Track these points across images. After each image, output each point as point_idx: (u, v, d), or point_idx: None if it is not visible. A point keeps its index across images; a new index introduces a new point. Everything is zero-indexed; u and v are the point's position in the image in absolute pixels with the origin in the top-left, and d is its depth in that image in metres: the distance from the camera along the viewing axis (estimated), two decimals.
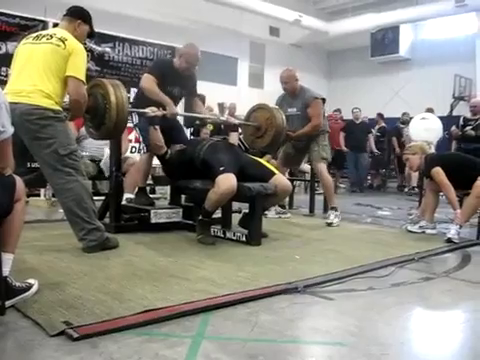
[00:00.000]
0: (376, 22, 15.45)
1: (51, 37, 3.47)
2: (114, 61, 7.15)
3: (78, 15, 3.70)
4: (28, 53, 3.51)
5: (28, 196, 6.15)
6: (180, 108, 5.65)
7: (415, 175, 10.08)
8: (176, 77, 4.66)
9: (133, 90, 7.40)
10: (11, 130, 2.29)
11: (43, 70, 3.37)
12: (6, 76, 6.27)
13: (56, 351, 1.90)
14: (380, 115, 11.87)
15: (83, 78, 3.46)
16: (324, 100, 5.59)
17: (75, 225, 3.52)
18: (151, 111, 4.32)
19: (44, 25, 6.64)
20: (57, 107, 3.41)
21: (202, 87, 10.99)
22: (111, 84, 3.80)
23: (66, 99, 3.60)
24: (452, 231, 4.48)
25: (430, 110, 10.35)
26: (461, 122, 9.59)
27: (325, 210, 5.91)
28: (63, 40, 3.44)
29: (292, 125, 5.34)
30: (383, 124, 11.66)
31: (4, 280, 2.28)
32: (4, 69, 6.29)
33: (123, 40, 7.36)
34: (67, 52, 3.40)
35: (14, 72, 3.52)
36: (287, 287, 2.83)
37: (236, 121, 5.16)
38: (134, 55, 7.42)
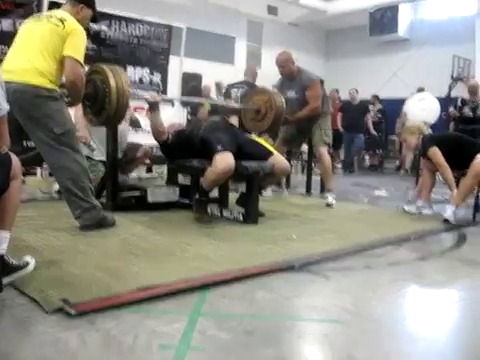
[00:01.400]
0: (375, 1, 15.30)
1: (51, 17, 3.44)
2: (110, 39, 7.07)
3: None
4: (27, 32, 3.48)
5: (25, 175, 6.17)
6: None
7: (409, 157, 10.12)
8: None
9: (129, 69, 7.38)
10: (6, 107, 2.27)
11: (39, 49, 3.33)
12: (2, 53, 6.21)
13: (53, 327, 1.91)
14: (376, 97, 11.83)
15: (81, 59, 3.40)
16: (322, 82, 5.54)
17: (72, 203, 3.51)
18: (151, 96, 4.29)
19: (39, 2, 6.56)
20: (51, 86, 3.36)
21: (199, 66, 11.00)
22: (110, 69, 3.77)
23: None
24: (448, 211, 4.48)
25: (421, 89, 10.32)
26: (459, 103, 9.57)
27: (322, 191, 5.92)
28: (62, 20, 3.40)
29: (291, 108, 5.30)
30: (380, 106, 11.62)
31: (1, 258, 2.28)
32: (0, 47, 6.23)
33: (119, 18, 7.27)
34: (66, 32, 3.36)
35: (11, 51, 3.48)
36: (284, 265, 2.84)
37: (236, 105, 5.14)
38: (131, 33, 7.34)
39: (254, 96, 5.32)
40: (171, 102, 7.46)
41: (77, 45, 3.41)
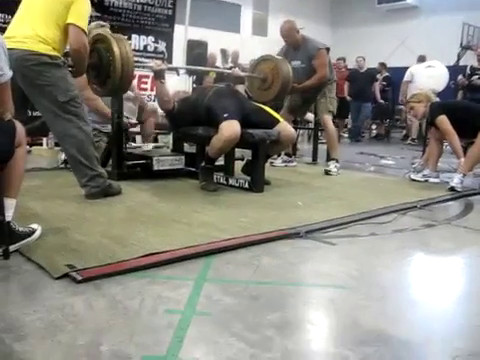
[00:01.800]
0: None
1: None
2: (114, 7, 6.99)
3: None
4: (31, 0, 3.42)
5: (30, 145, 6.18)
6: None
7: (415, 126, 10.04)
8: None
9: (134, 36, 7.31)
10: (10, 74, 2.25)
11: (42, 16, 3.29)
12: (4, 22, 6.16)
13: (60, 293, 1.92)
14: (383, 64, 11.67)
15: (85, 27, 3.35)
16: (328, 49, 5.46)
17: (78, 171, 3.51)
18: (156, 64, 4.24)
19: None
20: (54, 53, 3.32)
21: (204, 34, 10.89)
22: (114, 37, 3.73)
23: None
24: (455, 180, 4.47)
25: (422, 58, 10.16)
26: (468, 71, 9.45)
27: (328, 160, 5.90)
28: None
29: (297, 78, 5.21)
30: (386, 73, 11.48)
31: (7, 225, 2.29)
32: (1, 15, 6.17)
33: None
34: (70, 0, 3.30)
35: (15, 18, 3.44)
36: (289, 232, 2.84)
37: (242, 73, 5.08)
38: (135, 0, 7.25)
39: (260, 64, 5.26)
40: (176, 70, 7.40)
41: (81, 13, 3.36)
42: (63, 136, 3.47)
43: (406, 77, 10.02)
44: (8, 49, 3.13)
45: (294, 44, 5.40)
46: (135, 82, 5.02)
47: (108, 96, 4.16)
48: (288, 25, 5.36)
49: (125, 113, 4.63)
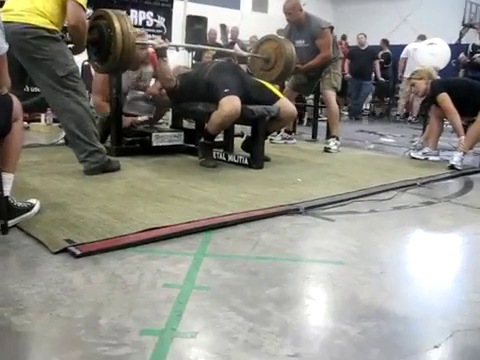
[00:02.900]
0: None
1: None
2: None
3: None
4: None
5: (29, 122, 6.15)
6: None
7: (416, 105, 10.00)
8: None
9: (133, 12, 7.22)
10: (6, 47, 2.22)
11: None
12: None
13: (59, 267, 1.92)
14: (385, 41, 11.56)
15: (84, 3, 3.30)
16: (332, 28, 5.38)
17: (76, 147, 3.49)
18: (157, 42, 4.19)
19: None
20: (52, 26, 3.27)
21: (204, 10, 10.77)
22: (115, 13, 3.68)
23: None
24: (455, 158, 4.45)
25: (422, 37, 10.07)
26: (470, 49, 9.38)
27: (328, 137, 5.87)
28: None
29: (301, 57, 5.16)
30: (387, 50, 11.37)
31: (5, 199, 2.28)
32: None
33: None
34: None
35: None
36: (289, 208, 2.84)
37: (245, 53, 5.03)
38: None
39: (263, 44, 5.20)
40: (175, 47, 7.33)
41: None
42: (62, 111, 3.44)
43: (403, 54, 9.96)
44: (6, 22, 3.12)
45: (297, 23, 5.32)
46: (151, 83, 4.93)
47: (109, 72, 4.11)
48: (291, 3, 5.27)
49: (133, 111, 4.61)
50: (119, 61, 3.69)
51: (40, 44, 3.23)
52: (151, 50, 4.46)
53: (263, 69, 5.09)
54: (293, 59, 4.96)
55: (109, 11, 3.72)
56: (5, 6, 3.32)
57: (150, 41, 4.45)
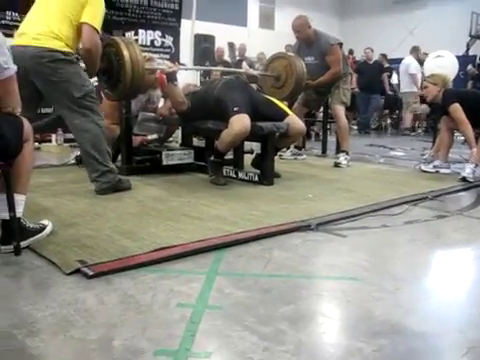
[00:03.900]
0: None
1: None
2: (121, 2, 6.97)
3: None
4: None
5: (40, 142, 6.20)
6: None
7: (408, 117, 10.04)
8: None
9: (141, 32, 7.29)
10: (14, 67, 2.25)
11: (57, 13, 3.32)
12: (12, 20, 6.17)
13: (72, 288, 1.92)
14: (384, 55, 11.60)
15: (98, 27, 3.38)
16: (341, 44, 5.39)
17: (89, 166, 3.52)
18: (167, 67, 4.21)
19: None
20: (67, 49, 3.34)
21: (211, 28, 10.88)
22: (123, 40, 3.74)
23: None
24: (467, 170, 4.43)
25: (415, 49, 10.10)
26: (478, 61, 9.38)
27: (337, 151, 5.87)
28: None
29: (311, 74, 5.16)
30: (387, 64, 11.39)
31: (18, 221, 2.29)
32: (9, 13, 6.17)
33: None
34: None
35: (29, 15, 3.46)
36: (300, 225, 2.83)
37: (255, 72, 5.05)
38: None
39: (273, 62, 5.22)
40: (183, 64, 7.39)
41: (96, 13, 3.38)
42: (78, 131, 3.49)
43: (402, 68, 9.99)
44: (22, 46, 3.21)
45: (306, 40, 5.34)
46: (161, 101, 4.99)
47: (119, 100, 4.16)
48: (300, 21, 5.30)
49: (144, 132, 4.65)
50: (129, 88, 3.74)
51: (57, 67, 3.29)
52: (159, 72, 4.49)
53: (274, 87, 5.10)
54: (304, 76, 4.97)
55: (117, 39, 3.77)
56: (20, 29, 3.41)
57: (160, 66, 4.48)
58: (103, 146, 3.52)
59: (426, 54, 10.27)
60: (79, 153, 4.82)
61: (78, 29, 3.35)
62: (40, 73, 3.29)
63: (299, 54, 5.32)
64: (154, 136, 4.74)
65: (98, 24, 3.37)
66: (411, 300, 1.93)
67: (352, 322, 1.76)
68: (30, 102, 3.44)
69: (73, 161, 4.94)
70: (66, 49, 3.32)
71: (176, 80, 4.22)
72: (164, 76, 4.28)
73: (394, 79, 10.74)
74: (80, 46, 3.47)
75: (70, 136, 6.54)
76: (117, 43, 3.69)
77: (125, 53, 3.62)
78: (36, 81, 3.32)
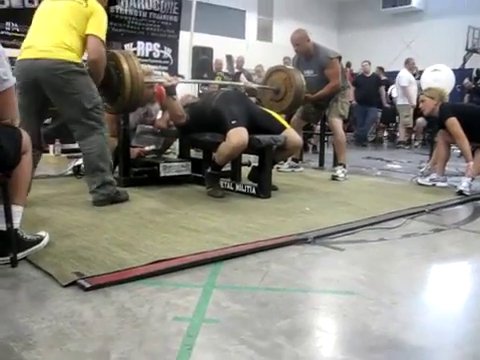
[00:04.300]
0: None
1: None
2: (120, 14, 6.99)
3: None
4: (49, 10, 3.49)
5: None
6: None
7: (402, 130, 10.11)
8: None
9: (140, 43, 7.32)
10: (13, 79, 2.26)
11: (64, 25, 3.35)
12: (11, 31, 6.18)
13: (68, 301, 1.92)
14: (381, 68, 11.66)
15: (103, 38, 3.43)
16: (340, 58, 5.42)
17: (92, 177, 3.54)
18: (166, 80, 4.22)
19: None
20: (79, 60, 3.40)
21: (209, 41, 10.92)
22: (122, 54, 3.76)
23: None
24: (464, 183, 4.44)
25: (408, 61, 10.17)
26: (474, 74, 9.44)
27: (334, 164, 5.88)
28: None
29: (310, 87, 5.17)
30: (384, 77, 11.46)
31: (15, 232, 2.29)
32: (8, 23, 6.19)
33: None
34: (89, 11, 3.39)
35: (34, 28, 3.48)
36: (297, 238, 2.83)
37: (254, 85, 5.07)
38: (140, 7, 7.25)
39: (272, 75, 5.25)
40: (181, 76, 7.41)
41: (100, 24, 3.44)
42: (86, 142, 3.51)
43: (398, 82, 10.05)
44: (32, 59, 3.24)
45: (305, 53, 5.36)
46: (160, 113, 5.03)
47: (118, 113, 4.17)
48: (299, 34, 5.33)
49: (142, 144, 4.67)
50: (128, 102, 3.76)
51: (70, 78, 3.33)
52: (158, 85, 4.51)
53: (273, 100, 5.12)
54: (303, 89, 4.99)
55: (117, 52, 3.80)
56: (27, 42, 3.42)
57: (159, 79, 4.50)
58: (108, 157, 3.57)
59: (416, 68, 10.37)
60: (77, 163, 4.85)
61: (84, 40, 3.39)
62: (53, 85, 3.33)
63: (298, 67, 5.35)
64: (152, 147, 4.75)
65: (103, 35, 3.43)
66: (408, 314, 1.93)
67: (349, 336, 1.75)
68: (40, 117, 3.50)
69: (71, 172, 4.94)
70: (78, 60, 3.38)
71: (175, 93, 4.23)
72: (163, 89, 4.30)
73: (394, 92, 10.79)
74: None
75: (68, 147, 6.58)
76: (117, 57, 3.71)
77: (124, 67, 3.64)
78: (48, 93, 3.36)
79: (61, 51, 3.29)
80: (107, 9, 3.66)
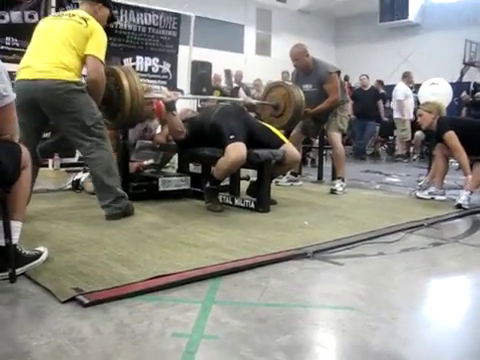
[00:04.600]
0: None
1: (73, 15, 3.50)
2: (119, 29, 7.03)
3: None
4: (48, 28, 3.52)
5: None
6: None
7: (400, 144, 10.15)
8: None
9: (139, 58, 7.35)
10: (13, 95, 2.27)
11: (63, 44, 3.38)
12: (11, 46, 6.22)
13: (67, 317, 1.91)
14: (380, 82, 11.71)
15: (103, 58, 3.46)
16: (339, 72, 5.45)
17: (102, 192, 3.55)
18: (166, 96, 4.24)
19: None
20: (78, 79, 3.42)
21: (208, 55, 10.98)
22: (122, 70, 3.78)
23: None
24: (462, 197, 4.45)
25: (405, 75, 10.23)
26: (472, 88, 9.48)
27: (333, 178, 5.89)
28: (85, 19, 3.47)
29: (308, 101, 5.19)
30: (383, 91, 11.51)
31: (14, 247, 2.29)
32: (8, 39, 6.23)
33: (128, 7, 7.24)
34: (88, 31, 3.42)
35: (32, 47, 3.50)
36: (296, 253, 2.83)
37: (254, 101, 5.09)
38: (139, 22, 7.30)
39: (271, 91, 5.27)
40: (181, 91, 7.44)
41: (100, 44, 3.47)
42: (90, 159, 3.53)
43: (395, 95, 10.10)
44: (30, 80, 3.26)
45: (304, 68, 5.38)
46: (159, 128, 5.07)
47: (118, 129, 4.19)
48: (298, 49, 5.35)
49: (141, 159, 4.69)
50: (128, 118, 3.79)
51: (70, 97, 3.35)
52: (157, 100, 4.53)
53: (272, 115, 5.14)
54: (302, 105, 5.02)
55: (117, 68, 3.82)
56: (25, 62, 3.44)
57: (158, 95, 4.52)
58: (115, 171, 3.59)
59: (410, 82, 10.42)
60: (76, 178, 4.86)
61: (83, 60, 3.42)
62: (52, 105, 3.36)
63: (297, 82, 5.37)
64: (150, 161, 4.77)
65: (102, 55, 3.46)
66: (408, 329, 1.93)
67: (348, 352, 1.75)
68: (38, 133, 3.52)
69: (70, 186, 4.95)
70: (77, 79, 3.40)
71: (175, 109, 4.24)
72: (162, 104, 4.31)
73: (393, 105, 10.85)
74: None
75: (66, 161, 6.60)
76: (117, 73, 3.73)
77: (125, 83, 3.66)
78: (47, 113, 3.40)
79: (60, 71, 3.31)
80: (107, 27, 3.69)
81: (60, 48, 3.35)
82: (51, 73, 3.30)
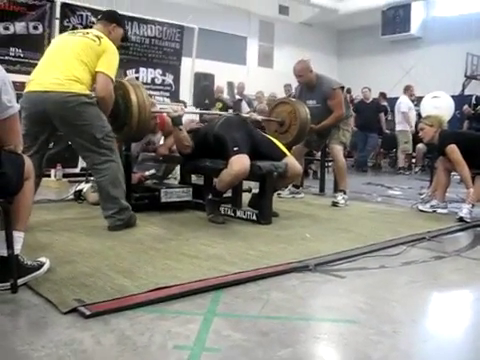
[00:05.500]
0: (387, 0, 15.27)
1: (87, 33, 3.57)
2: (122, 41, 7.08)
3: (113, 19, 3.82)
4: (62, 44, 3.60)
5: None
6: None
7: (401, 156, 10.17)
8: None
9: (142, 70, 7.40)
10: (17, 106, 2.29)
11: (75, 58, 3.42)
12: (15, 56, 6.27)
13: (68, 328, 1.91)
14: (382, 94, 11.74)
15: (113, 76, 3.51)
16: (343, 88, 5.47)
17: (107, 203, 3.57)
18: (173, 111, 4.24)
19: (52, 5, 6.61)
20: (89, 92, 3.45)
21: (210, 66, 11.03)
22: (131, 84, 3.81)
23: None
24: (464, 210, 4.44)
25: (407, 88, 10.27)
26: (473, 101, 9.49)
27: (335, 190, 5.89)
28: (99, 37, 3.53)
29: (312, 117, 5.19)
30: (385, 103, 11.53)
31: (16, 258, 2.29)
32: (12, 49, 6.28)
33: (132, 19, 7.30)
34: (101, 49, 3.48)
35: (45, 60, 3.55)
36: (298, 265, 2.83)
37: (259, 117, 5.11)
38: (143, 34, 7.36)
39: (277, 107, 5.29)
40: (183, 102, 7.47)
41: (111, 63, 3.52)
42: (97, 170, 3.56)
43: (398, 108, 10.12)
44: (41, 92, 3.29)
45: (308, 83, 5.40)
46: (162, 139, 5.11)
47: (124, 141, 4.21)
48: (301, 65, 5.36)
49: (140, 170, 4.71)
50: (135, 132, 3.80)
51: (80, 110, 3.39)
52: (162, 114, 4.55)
53: (278, 132, 5.15)
54: (308, 122, 5.03)
55: (125, 82, 3.85)
56: (36, 74, 3.49)
57: (165, 110, 4.53)
58: (121, 183, 3.61)
59: (411, 95, 10.45)
60: (78, 188, 4.86)
61: (93, 76, 3.46)
62: (64, 117, 3.39)
63: (301, 98, 5.39)
64: (152, 171, 4.78)
65: (113, 73, 3.51)
66: (409, 343, 1.92)
67: None
68: (47, 143, 3.55)
69: (72, 196, 4.95)
70: (87, 92, 3.43)
71: (181, 123, 4.23)
72: (165, 117, 4.32)
73: (397, 118, 10.88)
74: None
75: (69, 171, 6.61)
76: (125, 86, 3.75)
77: (133, 98, 3.68)
78: (58, 125, 3.43)
79: (72, 84, 3.35)
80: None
81: (72, 62, 3.40)
82: (63, 85, 3.33)
